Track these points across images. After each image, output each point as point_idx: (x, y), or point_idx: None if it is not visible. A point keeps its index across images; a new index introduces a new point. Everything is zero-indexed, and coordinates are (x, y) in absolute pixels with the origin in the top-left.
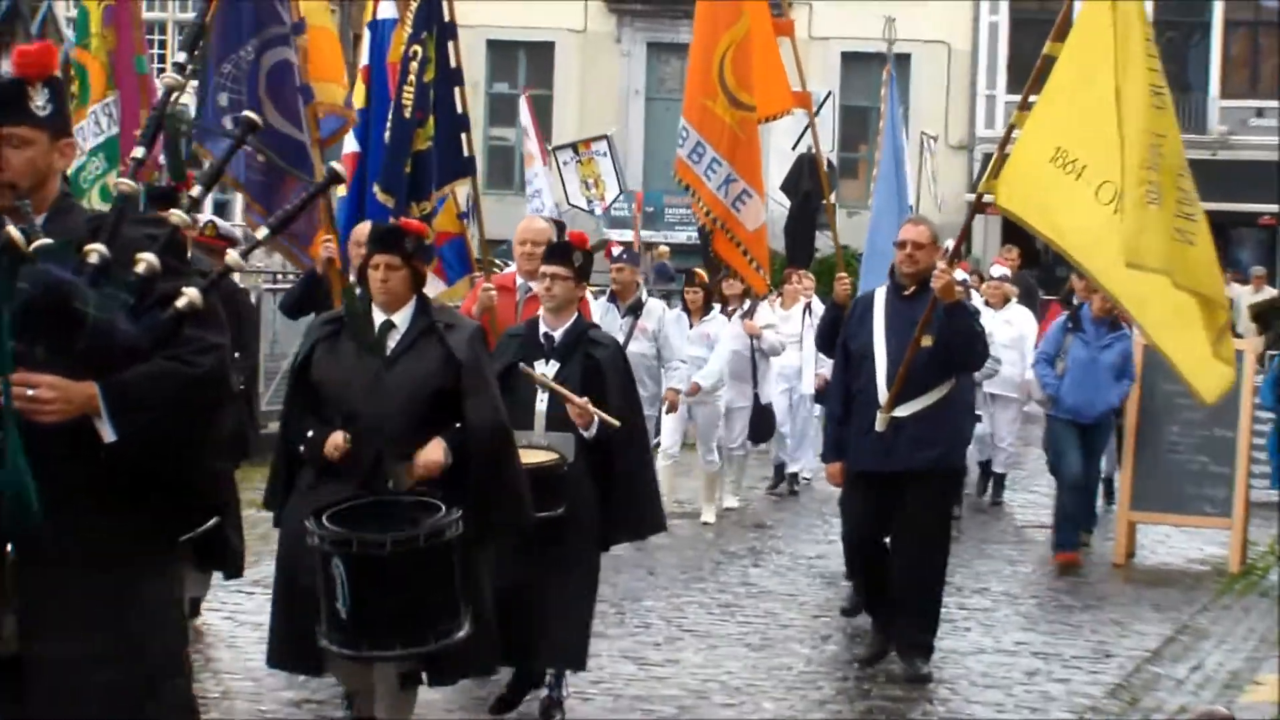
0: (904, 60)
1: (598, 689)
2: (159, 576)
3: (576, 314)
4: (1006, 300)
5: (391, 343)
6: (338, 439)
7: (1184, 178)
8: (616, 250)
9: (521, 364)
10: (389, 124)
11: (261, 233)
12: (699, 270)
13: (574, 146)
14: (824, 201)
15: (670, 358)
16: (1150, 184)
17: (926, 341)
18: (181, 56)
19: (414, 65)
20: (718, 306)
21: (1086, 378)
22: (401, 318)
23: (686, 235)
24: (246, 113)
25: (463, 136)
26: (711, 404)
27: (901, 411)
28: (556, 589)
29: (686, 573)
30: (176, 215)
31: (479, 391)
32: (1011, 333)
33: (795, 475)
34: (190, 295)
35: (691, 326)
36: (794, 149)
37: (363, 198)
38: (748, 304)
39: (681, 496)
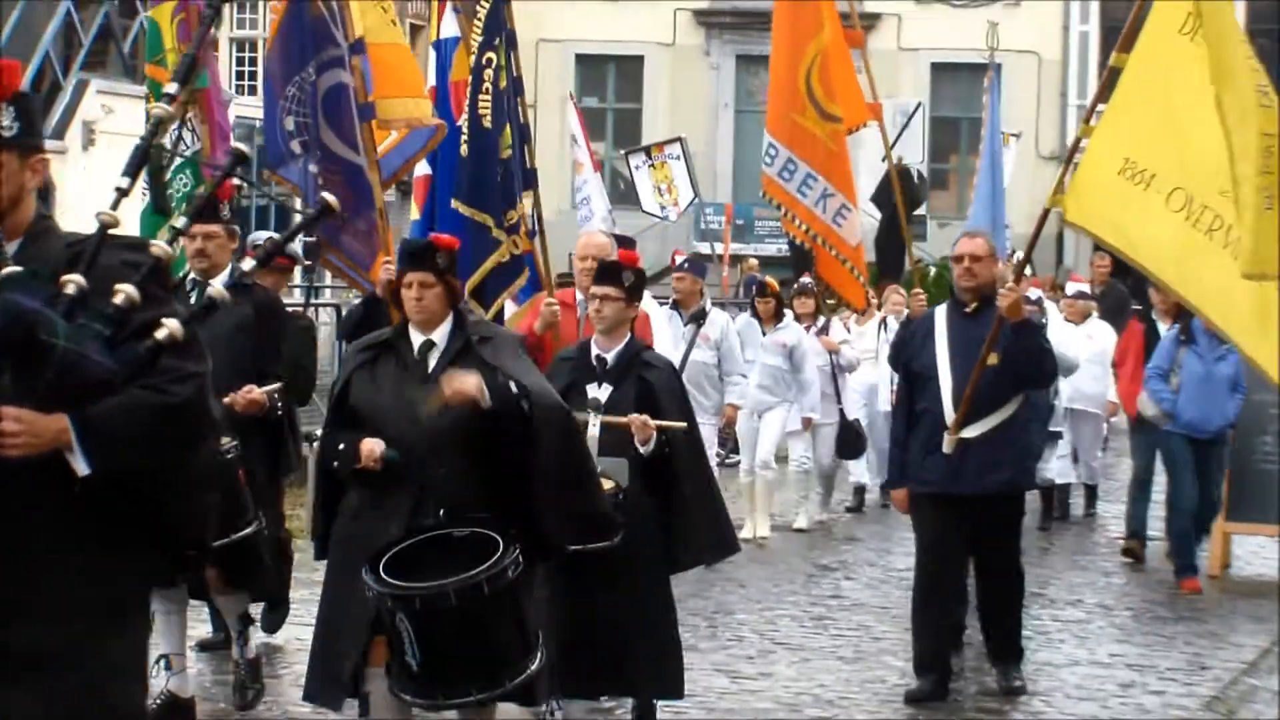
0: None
1: (690, 702)
2: (126, 627)
3: (629, 335)
4: (1086, 315)
5: (431, 361)
6: (370, 446)
7: None
8: (679, 259)
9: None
10: (466, 136)
11: (248, 264)
12: (770, 280)
13: (646, 150)
14: (909, 213)
15: (731, 371)
16: (1266, 188)
17: (993, 360)
18: (223, 79)
19: (488, 73)
20: (789, 314)
21: (1202, 392)
22: (440, 335)
23: (776, 248)
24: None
25: (525, 148)
26: (781, 410)
27: (969, 433)
28: (635, 620)
29: (779, 586)
30: (158, 246)
31: (529, 374)
32: (1094, 348)
33: (863, 488)
34: (170, 326)
35: (765, 334)
36: (884, 160)
37: (434, 219)
38: (821, 320)
39: (772, 509)
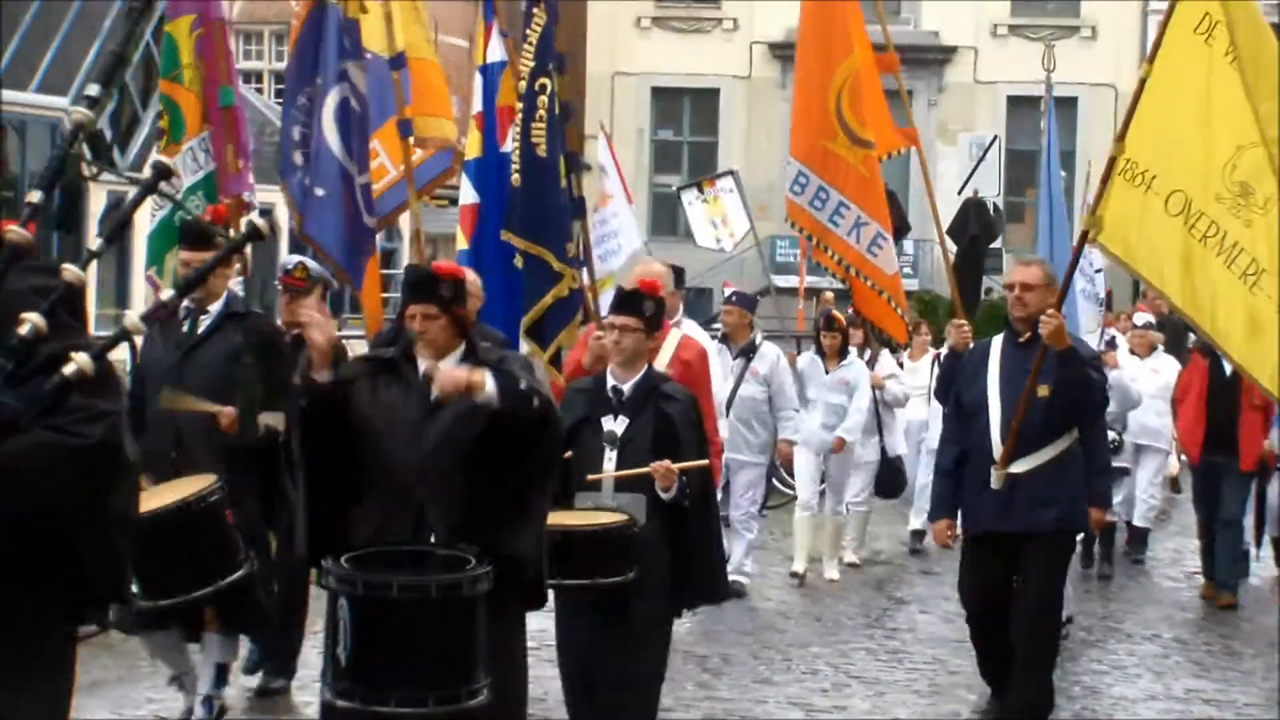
0: (1070, 103)
1: None
2: (40, 676)
3: (647, 366)
4: (1153, 348)
5: (435, 389)
6: (323, 324)
7: None
8: (727, 292)
9: (589, 475)
10: (517, 166)
11: (166, 294)
12: (838, 314)
13: (698, 185)
14: (986, 246)
15: (783, 406)
16: None
17: (1042, 391)
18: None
19: (542, 100)
20: (854, 351)
21: None
22: (448, 364)
23: (828, 281)
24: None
25: (572, 177)
26: (846, 452)
27: (1018, 468)
28: (631, 661)
29: (853, 619)
30: (70, 270)
31: (540, 385)
32: (1159, 381)
33: (920, 532)
34: (79, 361)
35: (828, 372)
36: (960, 193)
37: (481, 249)
38: (868, 354)
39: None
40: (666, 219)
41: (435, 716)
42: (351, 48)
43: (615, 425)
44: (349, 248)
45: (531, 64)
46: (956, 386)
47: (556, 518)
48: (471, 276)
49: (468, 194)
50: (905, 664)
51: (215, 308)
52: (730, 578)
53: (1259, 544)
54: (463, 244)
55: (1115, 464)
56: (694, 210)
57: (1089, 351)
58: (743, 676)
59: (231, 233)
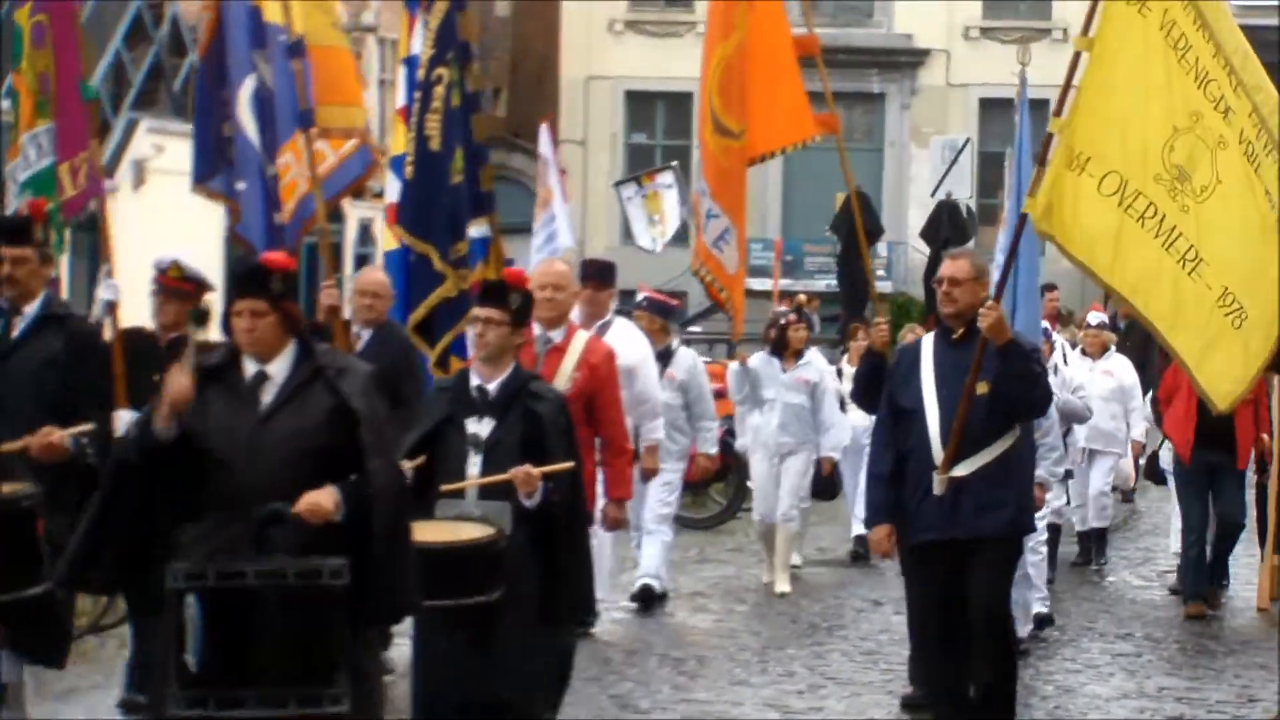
0: (1042, 105)
1: None
2: None
3: (514, 364)
4: (1105, 349)
5: (267, 396)
6: (180, 379)
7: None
8: (640, 296)
9: (443, 485)
10: (411, 159)
11: None
12: (801, 307)
13: (637, 180)
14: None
15: (702, 415)
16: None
17: (981, 389)
18: None
19: (439, 90)
20: (813, 349)
21: None
22: (278, 367)
23: (825, 283)
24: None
25: (479, 172)
26: (804, 454)
27: (961, 470)
28: (502, 683)
29: (828, 621)
30: None
31: (381, 451)
32: (1110, 384)
33: (863, 538)
34: None
35: (785, 371)
36: (933, 195)
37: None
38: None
39: (824, 544)
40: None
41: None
42: (259, 37)
43: (480, 427)
44: (271, 245)
45: (431, 52)
46: (887, 390)
47: (416, 530)
48: (380, 278)
49: (393, 192)
50: (880, 665)
51: (31, 309)
52: (643, 581)
53: (1262, 545)
54: (391, 244)
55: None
56: (633, 207)
57: (1028, 344)
58: (718, 679)
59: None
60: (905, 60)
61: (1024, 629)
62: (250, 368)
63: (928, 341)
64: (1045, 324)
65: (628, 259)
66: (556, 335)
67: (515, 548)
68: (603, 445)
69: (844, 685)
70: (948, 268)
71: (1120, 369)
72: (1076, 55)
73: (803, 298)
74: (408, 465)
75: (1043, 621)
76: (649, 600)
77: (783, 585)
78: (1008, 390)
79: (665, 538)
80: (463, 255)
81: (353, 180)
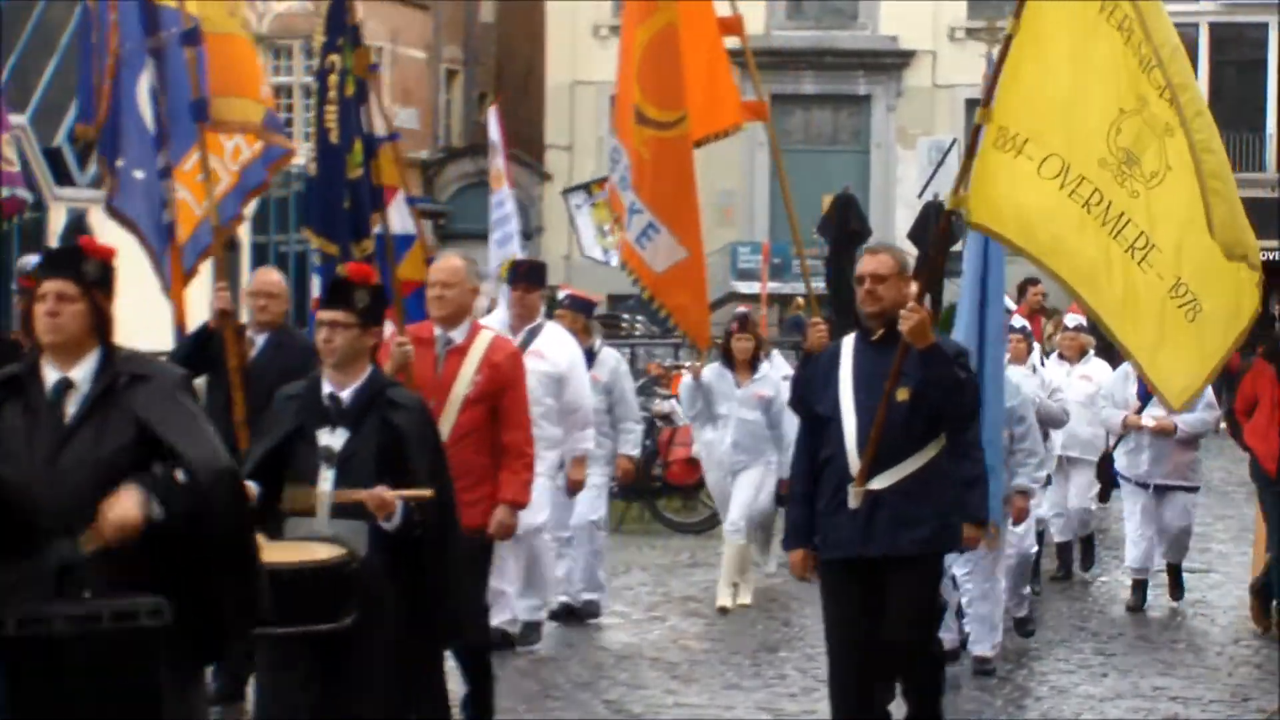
0: None
1: None
2: None
3: (370, 369)
4: (1083, 352)
5: (71, 407)
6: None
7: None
8: (561, 294)
9: (287, 486)
10: (313, 155)
11: None
12: (748, 314)
13: (586, 188)
14: (948, 249)
15: (625, 416)
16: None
17: (902, 395)
18: None
19: (333, 79)
20: (768, 363)
21: None
22: (82, 373)
23: (814, 286)
24: None
25: (372, 164)
26: (757, 469)
27: (879, 483)
28: (371, 710)
29: (820, 623)
30: None
31: (190, 430)
32: (1089, 389)
33: None
34: None
35: (739, 385)
36: (920, 196)
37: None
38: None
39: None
40: None
41: None
42: (152, 23)
43: (332, 439)
44: (160, 240)
45: (322, 39)
46: (808, 394)
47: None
48: (275, 278)
49: None
50: None
51: None
52: (585, 597)
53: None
54: (332, 249)
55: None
56: (581, 216)
57: (954, 347)
58: (711, 682)
59: None
60: (891, 62)
61: (990, 647)
62: (51, 375)
63: (847, 343)
64: (1025, 321)
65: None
66: (457, 335)
67: (373, 570)
68: (503, 448)
69: None
70: (869, 263)
71: (1099, 373)
72: (1008, 40)
73: (800, 300)
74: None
75: (1027, 632)
76: (591, 615)
77: (723, 599)
78: (930, 398)
79: (594, 545)
80: (369, 254)
81: (256, 186)
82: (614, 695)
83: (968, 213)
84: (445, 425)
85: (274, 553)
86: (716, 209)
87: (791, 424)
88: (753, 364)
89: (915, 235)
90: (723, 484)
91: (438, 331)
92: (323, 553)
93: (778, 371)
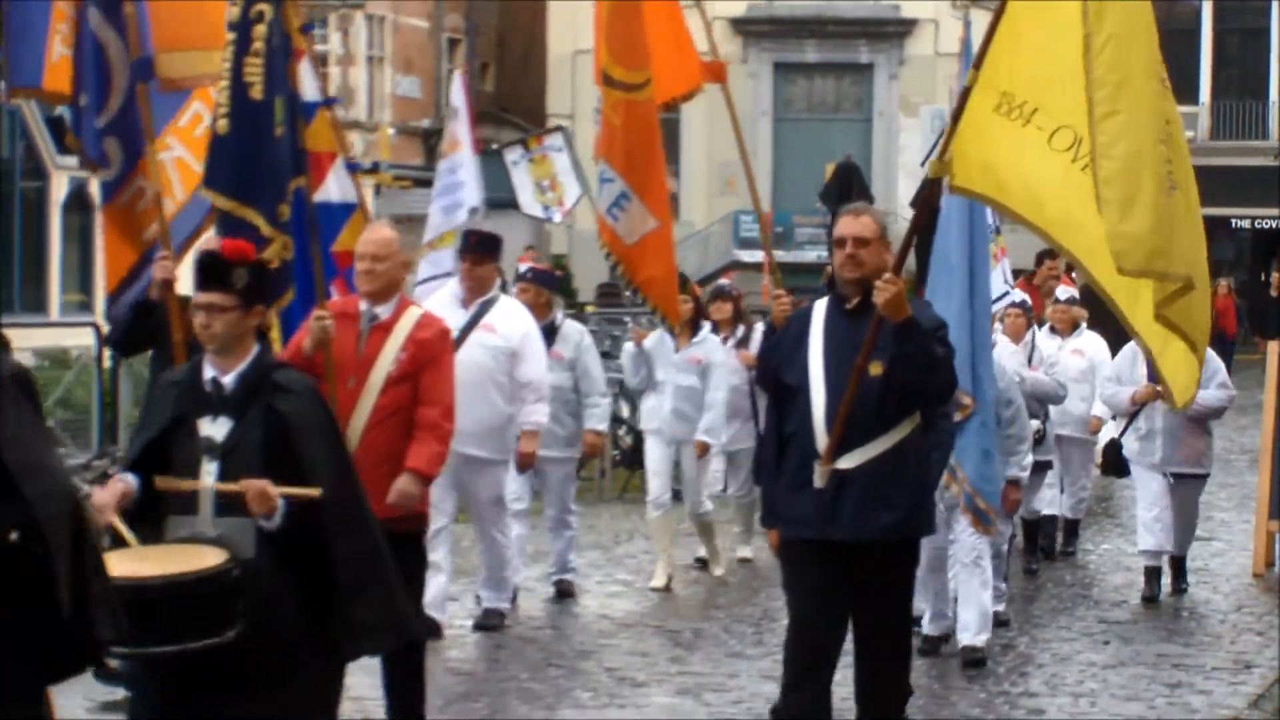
0: None
1: (738, 709)
2: None
3: (256, 350)
4: (1075, 325)
5: None
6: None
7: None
8: (523, 267)
9: (158, 478)
10: (225, 110)
11: None
12: (726, 286)
13: (524, 143)
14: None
15: (590, 391)
16: (1170, 164)
17: (875, 370)
18: None
19: (259, 30)
20: (708, 326)
21: None
22: None
23: (816, 254)
24: None
25: (297, 124)
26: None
27: (846, 463)
28: None
29: None
30: None
31: (26, 457)
32: (1081, 364)
33: None
34: None
35: (677, 350)
36: (923, 165)
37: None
38: (741, 331)
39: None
40: None
41: None
42: None
43: (214, 429)
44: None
45: None
46: (775, 364)
47: (132, 560)
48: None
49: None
50: None
51: None
52: (556, 578)
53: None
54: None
55: (1038, 458)
56: (518, 172)
57: (933, 321)
58: (715, 650)
59: None
60: (893, 30)
61: (982, 637)
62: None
63: (819, 309)
64: (1025, 296)
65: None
66: (383, 311)
67: (262, 573)
68: (418, 421)
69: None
70: (850, 225)
71: (1092, 347)
72: (1003, 4)
73: (829, 270)
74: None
75: (1000, 622)
76: (567, 595)
77: (660, 578)
78: (904, 374)
79: (570, 532)
80: (284, 220)
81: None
82: (616, 663)
83: (951, 176)
84: (366, 406)
85: (146, 562)
86: (719, 179)
87: (719, 385)
88: (693, 327)
89: (916, 203)
90: (661, 452)
91: (363, 306)
92: (200, 560)
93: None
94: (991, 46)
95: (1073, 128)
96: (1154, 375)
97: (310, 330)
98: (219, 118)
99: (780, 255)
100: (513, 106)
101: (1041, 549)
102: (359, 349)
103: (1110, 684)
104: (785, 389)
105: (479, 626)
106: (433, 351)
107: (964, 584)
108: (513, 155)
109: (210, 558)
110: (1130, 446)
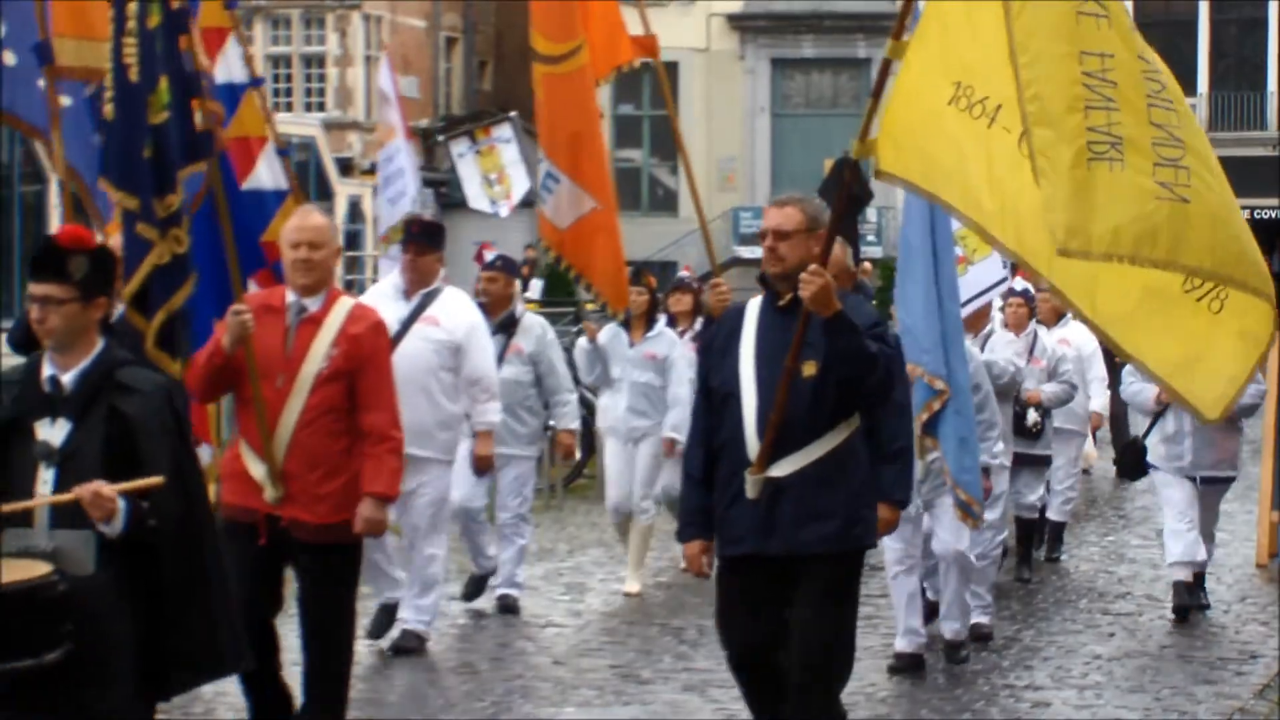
0: None
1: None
2: None
3: (100, 346)
4: (1061, 315)
5: None
6: None
7: (1158, 108)
8: (489, 255)
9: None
10: (110, 95)
11: None
12: (647, 274)
13: (470, 134)
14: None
15: (556, 389)
16: (1098, 131)
17: (808, 370)
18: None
19: (132, 7)
20: (663, 319)
21: None
22: None
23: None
24: None
25: (194, 103)
26: (656, 438)
27: (780, 470)
28: None
29: None
30: None
31: None
32: (1068, 353)
33: None
34: None
35: (632, 345)
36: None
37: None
38: (699, 323)
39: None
40: (630, 193)
41: None
42: None
43: (52, 432)
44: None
45: None
46: (702, 367)
47: None
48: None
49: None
50: (880, 630)
51: None
52: (500, 591)
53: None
54: (131, 203)
55: (1037, 452)
56: (464, 165)
57: (868, 316)
58: (719, 647)
59: None
60: (890, 25)
61: (963, 631)
62: None
63: (752, 307)
64: (1026, 284)
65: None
66: (313, 304)
67: (100, 589)
68: (364, 433)
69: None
70: (772, 217)
71: (1078, 337)
72: None
73: (866, 266)
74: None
75: (982, 635)
76: (509, 610)
77: (633, 584)
78: (838, 373)
79: (522, 540)
80: (174, 210)
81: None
82: (623, 660)
83: (876, 160)
84: (295, 406)
85: None
86: (719, 174)
87: (681, 381)
88: (649, 321)
89: (825, 191)
90: (620, 453)
91: (291, 299)
92: (24, 571)
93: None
94: (923, 19)
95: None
96: None
97: (228, 326)
98: (106, 102)
99: None
100: (511, 105)
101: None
102: (287, 345)
103: (1115, 676)
104: (715, 394)
105: (397, 650)
106: (367, 348)
107: (945, 578)
108: (459, 147)
109: (32, 570)
110: (1155, 450)
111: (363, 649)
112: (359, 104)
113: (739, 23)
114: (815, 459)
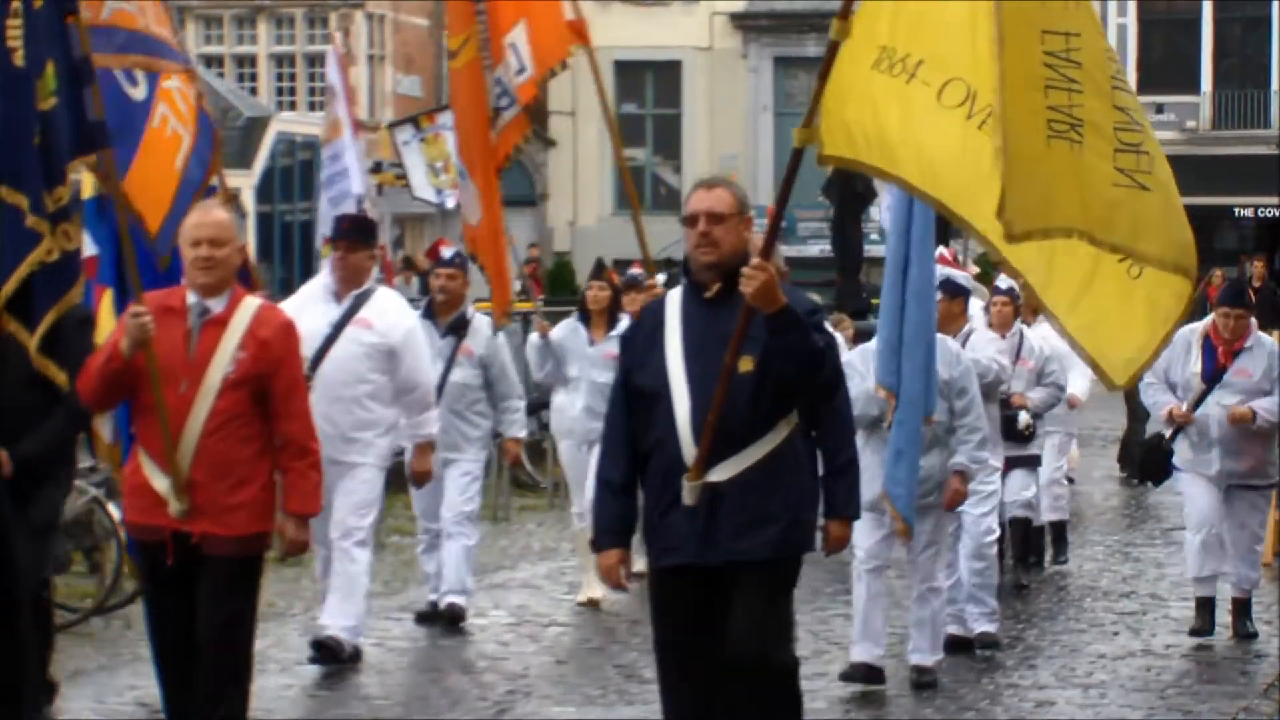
0: None
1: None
2: None
3: None
4: (1036, 313)
5: None
6: None
7: (1121, 91)
8: (447, 252)
9: None
10: None
11: None
12: (639, 276)
13: (415, 121)
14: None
15: (507, 394)
16: (1059, 111)
17: (745, 366)
18: None
19: None
20: (626, 318)
21: None
22: None
23: (819, 249)
24: None
25: (86, 91)
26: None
27: (718, 475)
28: None
29: (831, 586)
30: None
31: None
32: (1054, 353)
33: None
34: None
35: (592, 344)
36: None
37: None
38: None
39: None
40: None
41: None
42: None
43: None
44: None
45: None
46: (621, 366)
47: None
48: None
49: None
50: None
51: None
52: (447, 600)
53: None
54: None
55: (1026, 452)
56: (409, 152)
57: (805, 304)
58: None
59: None
60: None
61: (931, 657)
62: None
63: (673, 300)
64: (1012, 282)
65: (620, 229)
66: (216, 304)
67: None
68: (281, 445)
69: (847, 649)
70: (702, 199)
71: (1040, 335)
72: None
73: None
74: None
75: (989, 643)
76: (456, 619)
77: (593, 589)
78: (782, 370)
79: (468, 541)
80: (63, 204)
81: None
82: (625, 660)
83: (820, 146)
84: (201, 412)
85: None
86: (722, 173)
87: (518, 389)
88: (610, 319)
89: (827, 190)
90: (576, 455)
91: (192, 299)
92: None
93: None
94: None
95: (964, 80)
96: (1208, 375)
97: (126, 329)
98: None
99: (784, 249)
100: None
101: (1033, 562)
102: (190, 348)
103: (1120, 675)
104: (640, 394)
105: (315, 660)
106: (277, 351)
107: (913, 600)
108: (403, 135)
109: None
110: (1183, 454)
111: (366, 647)
112: (362, 103)
113: (742, 21)
114: (755, 461)
